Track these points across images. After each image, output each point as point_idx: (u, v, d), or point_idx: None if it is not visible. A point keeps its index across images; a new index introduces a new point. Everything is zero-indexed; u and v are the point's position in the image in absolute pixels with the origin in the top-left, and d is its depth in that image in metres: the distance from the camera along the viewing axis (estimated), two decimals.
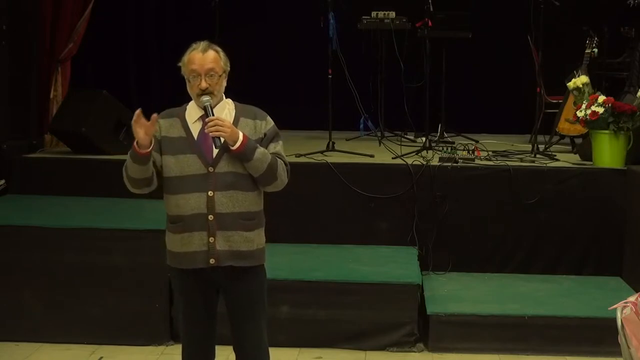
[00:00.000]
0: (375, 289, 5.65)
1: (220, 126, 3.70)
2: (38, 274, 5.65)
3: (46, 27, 7.35)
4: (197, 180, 3.75)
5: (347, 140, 8.00)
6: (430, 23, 7.63)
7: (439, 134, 8.03)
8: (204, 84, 3.75)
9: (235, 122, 3.80)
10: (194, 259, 3.78)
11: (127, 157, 3.78)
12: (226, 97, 3.88)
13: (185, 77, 3.81)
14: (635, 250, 6.19)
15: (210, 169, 3.76)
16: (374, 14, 8.15)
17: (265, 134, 3.85)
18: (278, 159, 3.83)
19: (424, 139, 7.49)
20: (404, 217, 6.51)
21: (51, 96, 7.40)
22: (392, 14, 8.10)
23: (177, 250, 3.82)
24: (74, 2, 7.42)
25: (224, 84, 3.85)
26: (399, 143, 7.41)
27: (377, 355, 5.55)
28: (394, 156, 6.87)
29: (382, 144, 7.63)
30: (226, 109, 3.84)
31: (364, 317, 5.61)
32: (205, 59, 3.76)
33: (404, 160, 6.67)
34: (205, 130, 3.73)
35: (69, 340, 5.61)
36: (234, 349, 3.95)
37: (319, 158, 6.80)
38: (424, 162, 6.60)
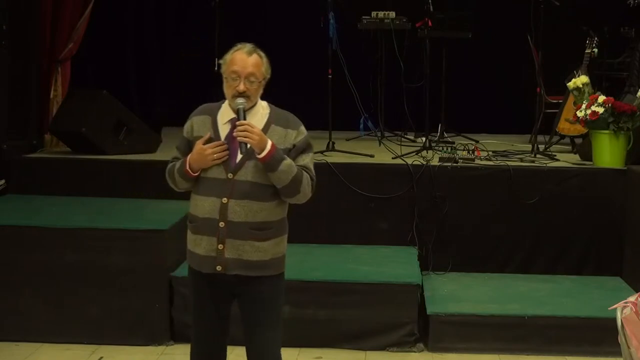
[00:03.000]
0: (375, 289, 5.65)
1: (250, 132, 3.62)
2: (38, 274, 5.64)
3: (46, 27, 7.34)
4: (216, 184, 3.68)
5: (347, 140, 7.99)
6: (430, 23, 7.64)
7: (439, 134, 8.02)
8: (242, 87, 3.68)
9: (265, 128, 3.72)
10: (202, 263, 3.75)
11: (173, 168, 3.79)
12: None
13: (224, 76, 3.74)
14: (635, 251, 6.19)
15: (230, 176, 3.68)
16: (374, 14, 8.15)
17: (294, 145, 3.76)
18: (304, 172, 3.74)
19: (424, 139, 7.48)
20: (404, 217, 6.51)
21: (51, 96, 7.39)
22: (392, 14, 8.09)
23: (191, 249, 3.80)
24: (74, 2, 7.42)
25: (261, 90, 3.78)
26: (399, 143, 7.40)
27: (377, 355, 5.55)
28: (394, 156, 6.87)
29: (382, 144, 7.62)
30: (259, 114, 3.77)
31: (364, 317, 5.60)
32: (248, 62, 3.71)
33: (404, 160, 6.67)
34: (234, 134, 3.66)
35: (69, 340, 5.60)
36: (247, 356, 3.87)
37: (319, 158, 6.79)
38: (424, 162, 6.60)
